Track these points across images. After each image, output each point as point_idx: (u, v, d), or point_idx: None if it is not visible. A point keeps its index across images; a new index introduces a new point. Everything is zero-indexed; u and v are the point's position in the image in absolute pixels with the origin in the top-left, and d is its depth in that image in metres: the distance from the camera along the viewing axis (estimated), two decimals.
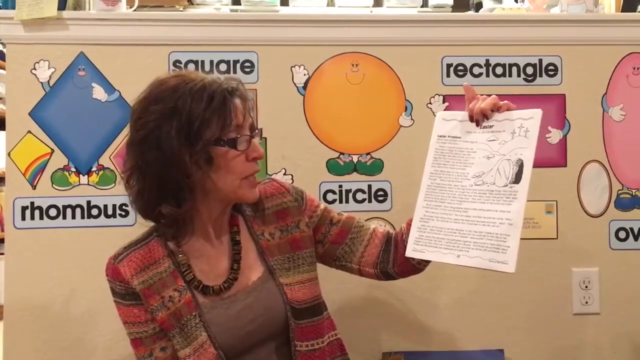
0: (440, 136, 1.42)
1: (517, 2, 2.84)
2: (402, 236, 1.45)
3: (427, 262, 1.41)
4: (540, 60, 1.93)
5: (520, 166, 1.29)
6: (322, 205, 1.51)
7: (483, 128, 1.37)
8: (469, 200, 1.33)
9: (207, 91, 1.27)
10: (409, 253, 1.38)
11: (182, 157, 1.25)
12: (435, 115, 1.86)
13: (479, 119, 1.38)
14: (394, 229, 1.84)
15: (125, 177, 1.33)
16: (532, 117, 1.32)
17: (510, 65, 1.92)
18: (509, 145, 1.32)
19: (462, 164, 1.37)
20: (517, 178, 1.29)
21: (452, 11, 2.51)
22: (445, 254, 1.33)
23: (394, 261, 1.46)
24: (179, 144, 1.25)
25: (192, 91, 1.27)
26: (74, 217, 1.82)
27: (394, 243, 1.47)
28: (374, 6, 3.63)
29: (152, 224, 1.38)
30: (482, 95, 1.40)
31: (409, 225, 1.41)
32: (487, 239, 1.28)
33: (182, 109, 1.25)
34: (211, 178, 1.29)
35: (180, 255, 1.36)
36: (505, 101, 1.37)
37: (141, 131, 1.28)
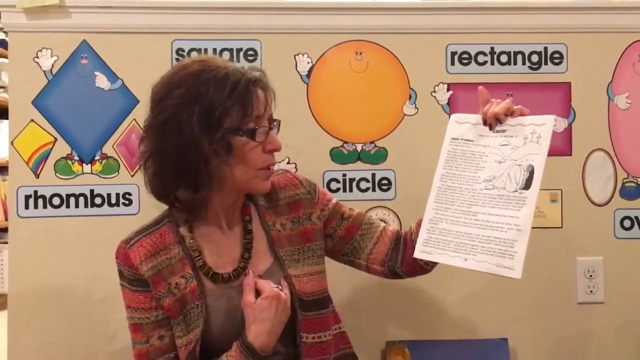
0: (453, 139, 1.43)
1: None
2: (411, 236, 1.45)
3: (435, 263, 1.42)
4: (546, 48, 1.91)
5: (531, 172, 1.30)
6: (334, 199, 1.51)
7: (496, 132, 1.38)
8: (478, 204, 1.34)
9: (231, 80, 1.27)
10: (417, 254, 1.39)
11: (201, 143, 1.25)
12: (439, 104, 1.88)
13: (492, 122, 1.38)
14: (398, 218, 1.85)
15: (143, 158, 1.33)
16: (544, 123, 1.33)
17: (515, 53, 1.91)
18: (520, 150, 1.33)
19: (474, 167, 1.38)
20: (528, 184, 1.29)
21: None
22: (452, 256, 1.34)
23: (402, 261, 1.46)
24: (199, 130, 1.25)
25: (215, 78, 1.26)
26: (77, 206, 1.82)
27: (403, 242, 1.48)
28: None
29: (162, 208, 1.39)
30: (496, 100, 1.40)
31: (418, 225, 1.42)
32: (495, 243, 1.29)
33: (204, 96, 1.25)
34: (229, 166, 1.29)
35: (191, 241, 1.36)
36: (519, 106, 1.38)
37: (162, 114, 1.27)
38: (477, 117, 1.42)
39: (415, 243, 1.39)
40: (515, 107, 1.38)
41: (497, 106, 1.38)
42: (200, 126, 1.25)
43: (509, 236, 1.28)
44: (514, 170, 1.32)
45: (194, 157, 1.26)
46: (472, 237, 1.32)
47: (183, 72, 1.29)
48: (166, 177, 1.30)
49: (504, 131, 1.37)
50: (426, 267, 1.44)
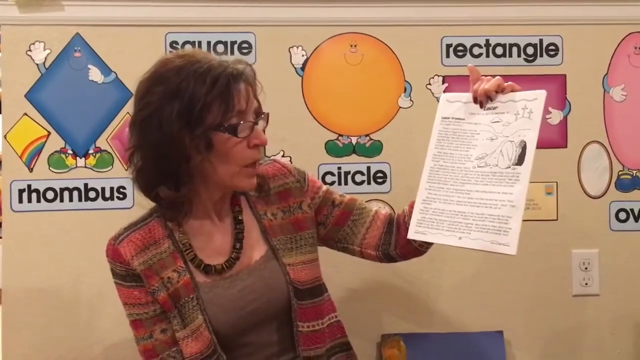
0: (444, 118, 1.41)
1: None
2: (405, 218, 1.44)
3: (430, 244, 1.40)
4: (541, 40, 1.91)
5: (523, 148, 1.28)
6: (324, 187, 1.50)
7: (487, 109, 1.36)
8: (471, 182, 1.32)
9: (211, 74, 1.24)
10: (411, 235, 1.37)
11: (182, 140, 1.24)
12: (434, 97, 1.87)
13: (482, 100, 1.36)
14: (393, 211, 1.84)
15: (128, 154, 1.32)
16: (536, 98, 1.31)
17: (511, 46, 1.90)
18: (512, 126, 1.31)
19: (466, 145, 1.36)
20: (520, 160, 1.28)
21: None
22: (447, 236, 1.32)
23: (395, 243, 1.45)
24: (179, 127, 1.23)
25: (196, 74, 1.24)
26: (71, 199, 1.81)
27: (396, 225, 1.46)
28: None
29: (153, 204, 1.37)
30: (486, 76, 1.38)
31: (411, 207, 1.40)
32: (489, 220, 1.27)
33: (184, 91, 1.23)
34: (211, 163, 1.27)
35: (180, 235, 1.35)
36: (510, 82, 1.36)
37: (143, 111, 1.26)
38: (467, 96, 1.39)
39: (409, 225, 1.38)
40: (505, 83, 1.36)
41: (487, 83, 1.36)
42: (181, 122, 1.23)
43: (503, 213, 1.26)
44: (506, 146, 1.31)
45: (175, 154, 1.25)
46: (466, 216, 1.31)
47: (164, 68, 1.27)
48: (149, 174, 1.29)
49: (495, 108, 1.35)
50: (420, 248, 1.43)
